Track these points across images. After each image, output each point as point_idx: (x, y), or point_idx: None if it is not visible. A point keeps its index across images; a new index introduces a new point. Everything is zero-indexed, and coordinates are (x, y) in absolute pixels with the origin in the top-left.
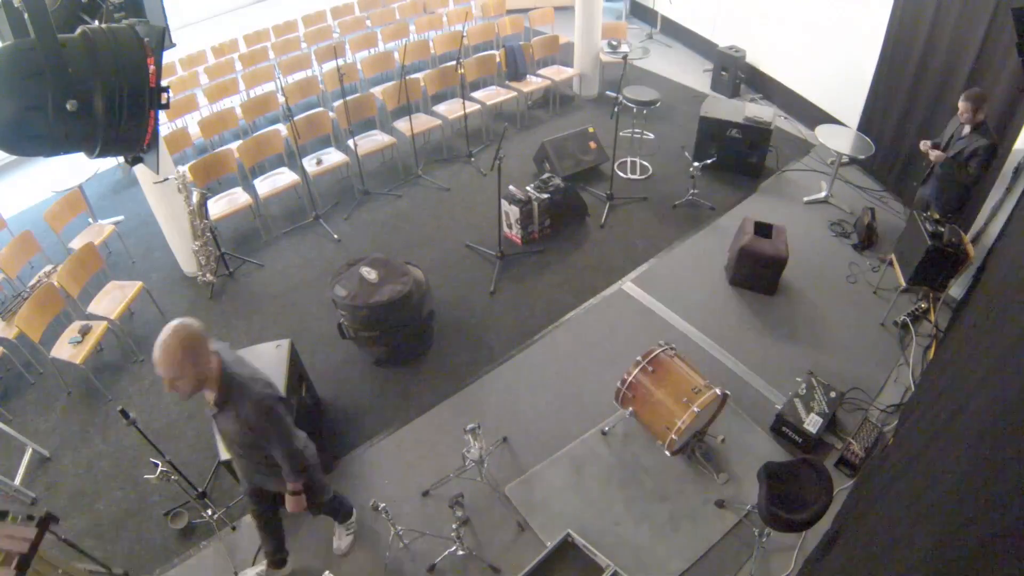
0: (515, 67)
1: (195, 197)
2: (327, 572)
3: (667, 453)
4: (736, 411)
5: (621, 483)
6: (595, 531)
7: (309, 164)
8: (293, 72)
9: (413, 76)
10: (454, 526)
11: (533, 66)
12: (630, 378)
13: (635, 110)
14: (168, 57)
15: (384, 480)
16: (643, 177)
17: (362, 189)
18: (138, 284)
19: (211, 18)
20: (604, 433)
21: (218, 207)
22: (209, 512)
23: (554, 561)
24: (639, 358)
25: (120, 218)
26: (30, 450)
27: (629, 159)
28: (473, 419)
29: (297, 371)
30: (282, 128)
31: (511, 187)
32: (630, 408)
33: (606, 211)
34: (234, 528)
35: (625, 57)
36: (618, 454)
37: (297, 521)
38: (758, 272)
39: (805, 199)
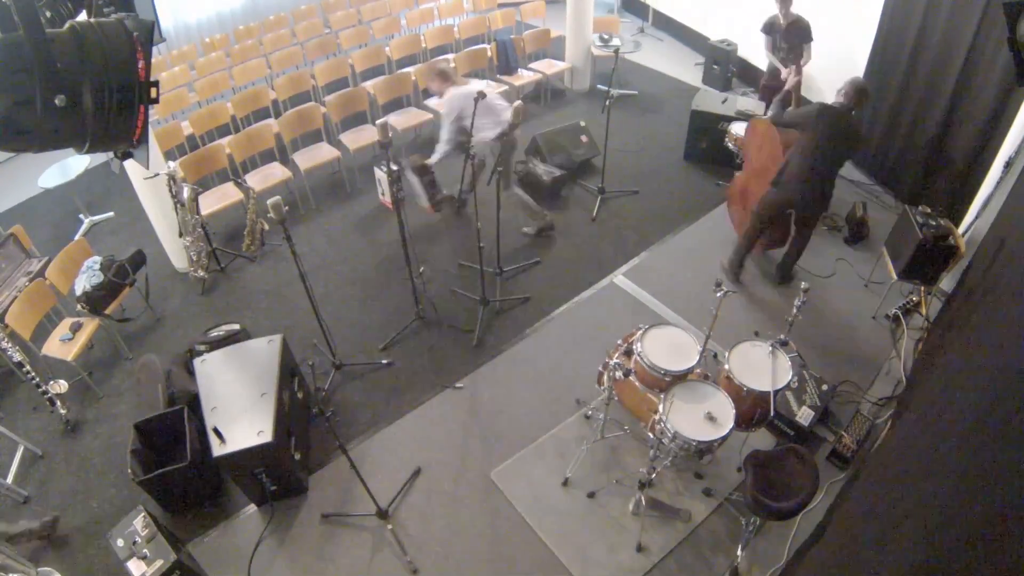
0: (506, 61)
1: (187, 192)
2: None
3: (650, 435)
4: None
5: (604, 466)
6: (577, 513)
7: (300, 159)
8: (284, 67)
9: (404, 70)
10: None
11: (524, 60)
12: (612, 361)
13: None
14: (157, 52)
15: (378, 476)
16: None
17: (356, 185)
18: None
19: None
20: (587, 417)
21: (209, 202)
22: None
23: None
24: (620, 341)
25: (110, 214)
26: (22, 448)
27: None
28: (466, 414)
29: (289, 366)
30: (273, 123)
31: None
32: (613, 392)
33: (597, 205)
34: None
35: (617, 51)
36: (601, 436)
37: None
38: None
39: None
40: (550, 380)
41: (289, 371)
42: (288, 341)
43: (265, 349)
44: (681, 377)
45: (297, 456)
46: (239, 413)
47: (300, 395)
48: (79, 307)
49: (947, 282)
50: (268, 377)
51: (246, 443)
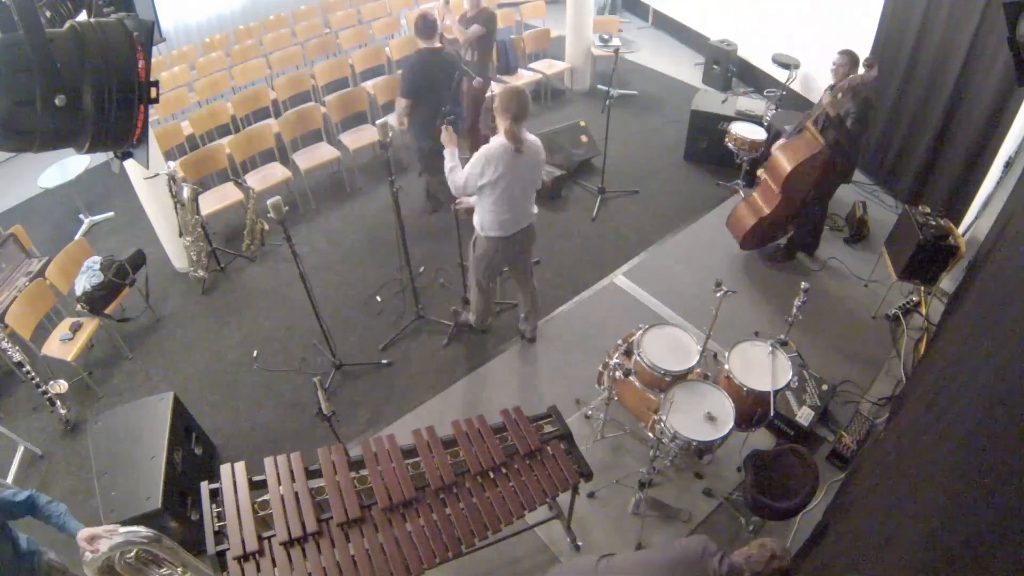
0: (506, 61)
1: (187, 192)
2: None
3: (650, 435)
4: None
5: (604, 466)
6: (577, 511)
7: (300, 159)
8: (284, 67)
9: None
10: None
11: (525, 60)
12: (612, 361)
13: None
14: (157, 52)
15: None
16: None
17: (356, 185)
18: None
19: (204, 18)
20: (587, 417)
21: (209, 202)
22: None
23: None
24: (620, 341)
25: (110, 214)
26: (22, 448)
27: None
28: (465, 414)
29: (184, 423)
30: (273, 123)
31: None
32: (613, 391)
33: (597, 205)
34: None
35: (616, 51)
36: (601, 436)
37: None
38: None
39: None
40: (550, 380)
41: (184, 427)
42: (287, 342)
43: (157, 407)
44: (681, 377)
45: (195, 517)
46: (130, 477)
47: (199, 451)
48: (79, 307)
49: (947, 282)
50: (159, 438)
51: (135, 511)
